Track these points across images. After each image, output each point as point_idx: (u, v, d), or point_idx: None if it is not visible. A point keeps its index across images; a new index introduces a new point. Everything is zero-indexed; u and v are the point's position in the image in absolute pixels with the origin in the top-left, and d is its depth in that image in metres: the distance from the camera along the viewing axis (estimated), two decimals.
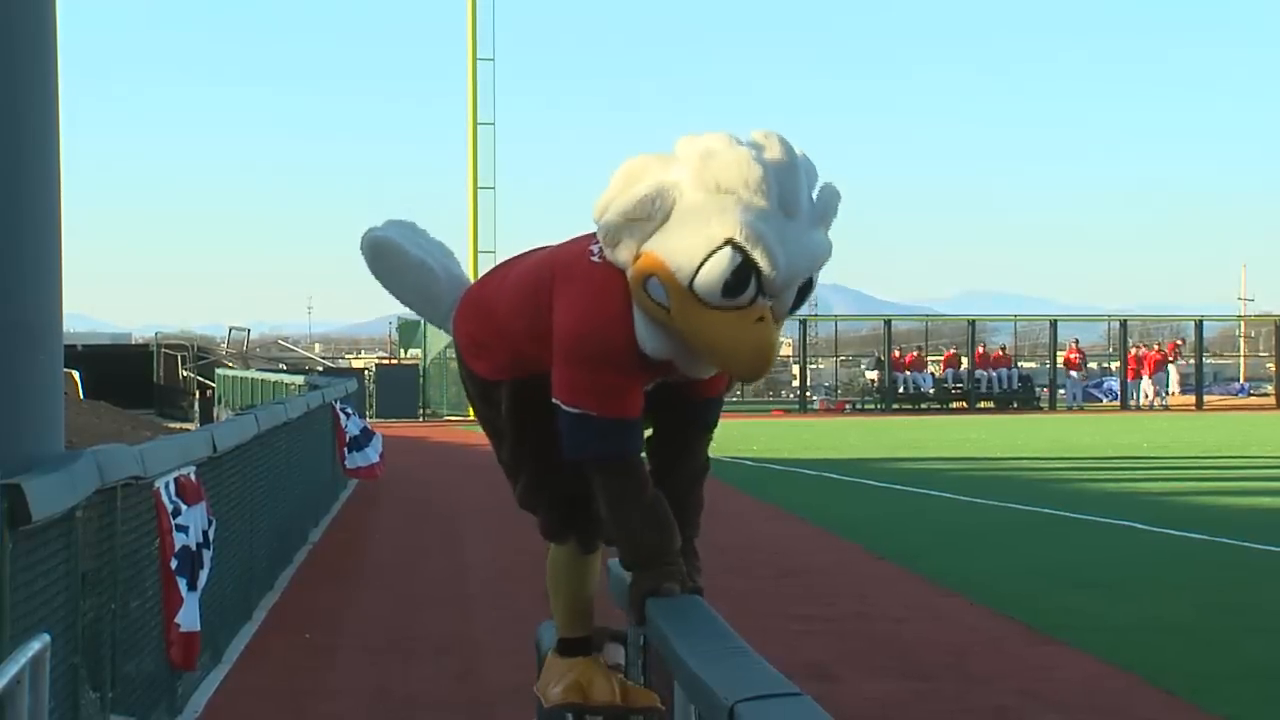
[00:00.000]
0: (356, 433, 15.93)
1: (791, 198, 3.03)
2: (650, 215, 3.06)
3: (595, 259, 3.25)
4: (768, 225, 2.97)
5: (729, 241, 2.96)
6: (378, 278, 3.95)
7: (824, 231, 3.13)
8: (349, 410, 16.46)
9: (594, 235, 3.28)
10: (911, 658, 8.54)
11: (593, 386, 3.23)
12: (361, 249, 3.92)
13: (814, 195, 3.13)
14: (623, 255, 3.14)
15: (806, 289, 3.13)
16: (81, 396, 30.40)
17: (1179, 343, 45.95)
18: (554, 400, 3.29)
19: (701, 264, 2.99)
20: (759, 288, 3.00)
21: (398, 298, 4.05)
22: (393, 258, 3.90)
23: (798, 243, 3.03)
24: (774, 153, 3.05)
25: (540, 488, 3.49)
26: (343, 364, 50.04)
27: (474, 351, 3.58)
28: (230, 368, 38.10)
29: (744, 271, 2.97)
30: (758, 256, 2.96)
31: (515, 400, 3.51)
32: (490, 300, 3.57)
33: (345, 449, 15.64)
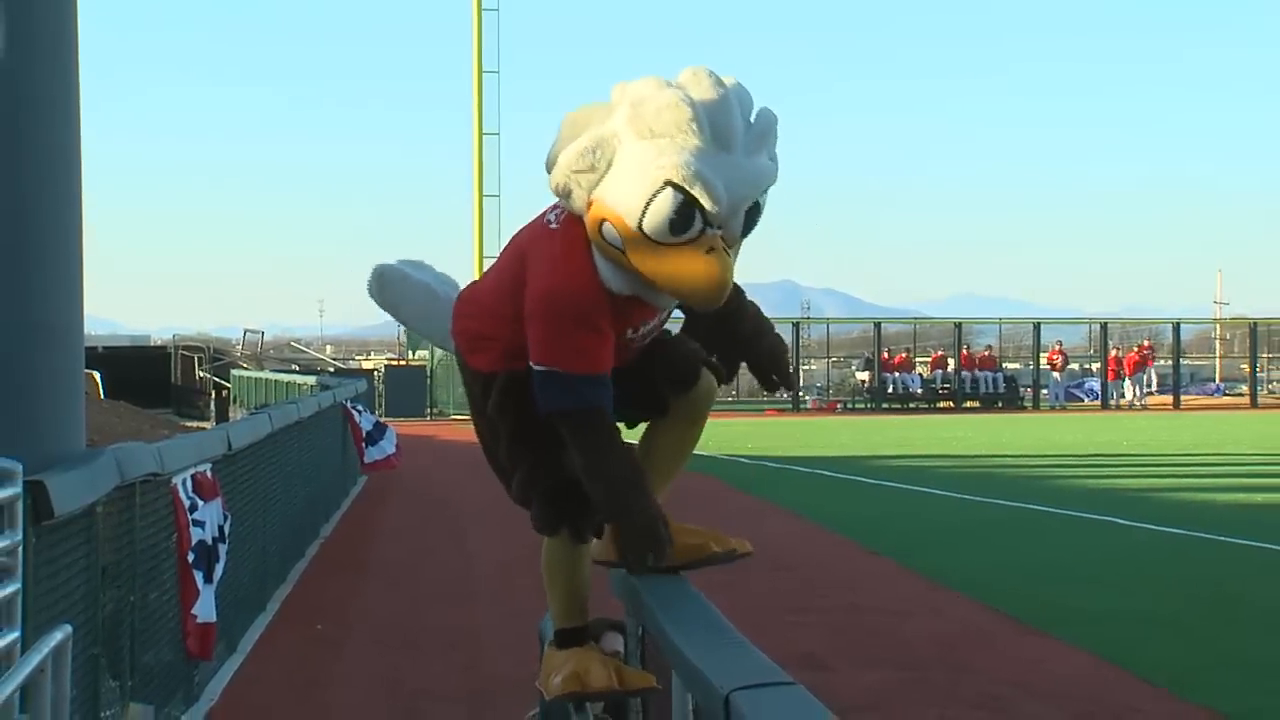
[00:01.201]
0: (370, 428, 15.96)
1: (724, 131, 3.05)
2: (593, 166, 3.11)
3: (553, 225, 3.33)
4: (703, 162, 3.01)
5: (668, 183, 3.00)
6: (383, 306, 4.03)
7: (764, 156, 3.16)
8: (360, 408, 16.46)
9: (552, 205, 3.35)
10: (902, 649, 8.54)
11: (561, 343, 3.26)
12: (369, 281, 3.98)
13: (751, 121, 3.15)
14: (577, 205, 3.19)
15: (755, 212, 3.16)
16: (102, 396, 30.43)
17: (1148, 344, 45.90)
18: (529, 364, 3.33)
19: (646, 208, 3.04)
20: (705, 221, 3.04)
21: (404, 322, 4.13)
22: (397, 284, 3.97)
23: (736, 172, 3.06)
24: (702, 90, 3.07)
25: (534, 481, 3.48)
26: (353, 365, 49.98)
27: (470, 347, 3.59)
28: (245, 369, 38.08)
29: (686, 209, 3.02)
30: (697, 193, 3.00)
31: (507, 393, 3.51)
32: (480, 292, 3.63)
33: (363, 445, 15.70)
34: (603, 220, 3.13)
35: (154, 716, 6.13)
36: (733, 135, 3.07)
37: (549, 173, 3.24)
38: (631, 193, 3.05)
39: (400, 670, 8.15)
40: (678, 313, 3.61)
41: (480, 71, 37.89)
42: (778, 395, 43.39)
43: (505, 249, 3.62)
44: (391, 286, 3.97)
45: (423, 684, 7.84)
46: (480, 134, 37.95)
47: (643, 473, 3.35)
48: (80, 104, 5.83)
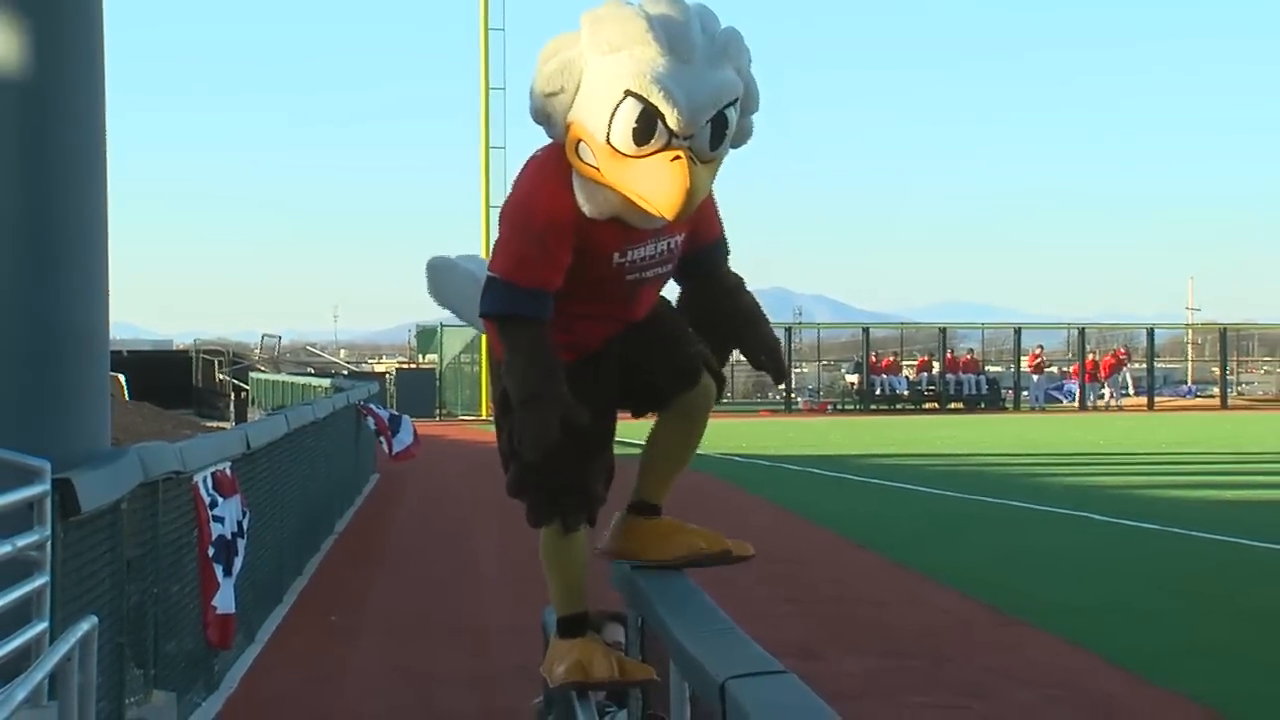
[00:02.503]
0: (387, 418, 16.10)
1: (682, 43, 3.02)
2: (563, 88, 3.09)
3: (534, 156, 3.29)
4: (660, 70, 2.98)
5: (628, 93, 2.98)
6: (433, 296, 4.01)
7: (729, 70, 3.10)
8: (374, 406, 16.57)
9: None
10: (889, 638, 8.53)
11: (506, 250, 3.24)
12: (426, 270, 4.00)
13: (715, 39, 3.11)
14: (556, 130, 3.17)
15: (722, 125, 3.08)
16: (127, 398, 30.40)
17: (1124, 350, 45.89)
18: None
19: (610, 120, 3.01)
20: (669, 131, 3.00)
21: (453, 312, 4.07)
22: (443, 274, 3.97)
23: (696, 82, 3.02)
24: (659, 6, 3.06)
25: (529, 472, 3.44)
26: (366, 368, 50.00)
27: (490, 334, 3.56)
28: (263, 371, 38.10)
29: (648, 118, 2.98)
30: (656, 101, 2.97)
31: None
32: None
33: (390, 436, 15.84)
34: (578, 140, 3.10)
35: (176, 703, 6.13)
36: (691, 46, 3.03)
37: (529, 103, 3.20)
38: (597, 108, 3.02)
39: (411, 658, 8.15)
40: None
41: (487, 88, 37.94)
42: (770, 396, 43.56)
43: None
44: (439, 277, 3.96)
45: (433, 671, 7.83)
46: (487, 147, 37.99)
47: (554, 371, 3.20)
48: (106, 118, 5.83)
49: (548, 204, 3.18)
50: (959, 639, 8.50)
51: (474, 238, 38.96)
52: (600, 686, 3.60)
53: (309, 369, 43.68)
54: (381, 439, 16.30)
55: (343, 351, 75.74)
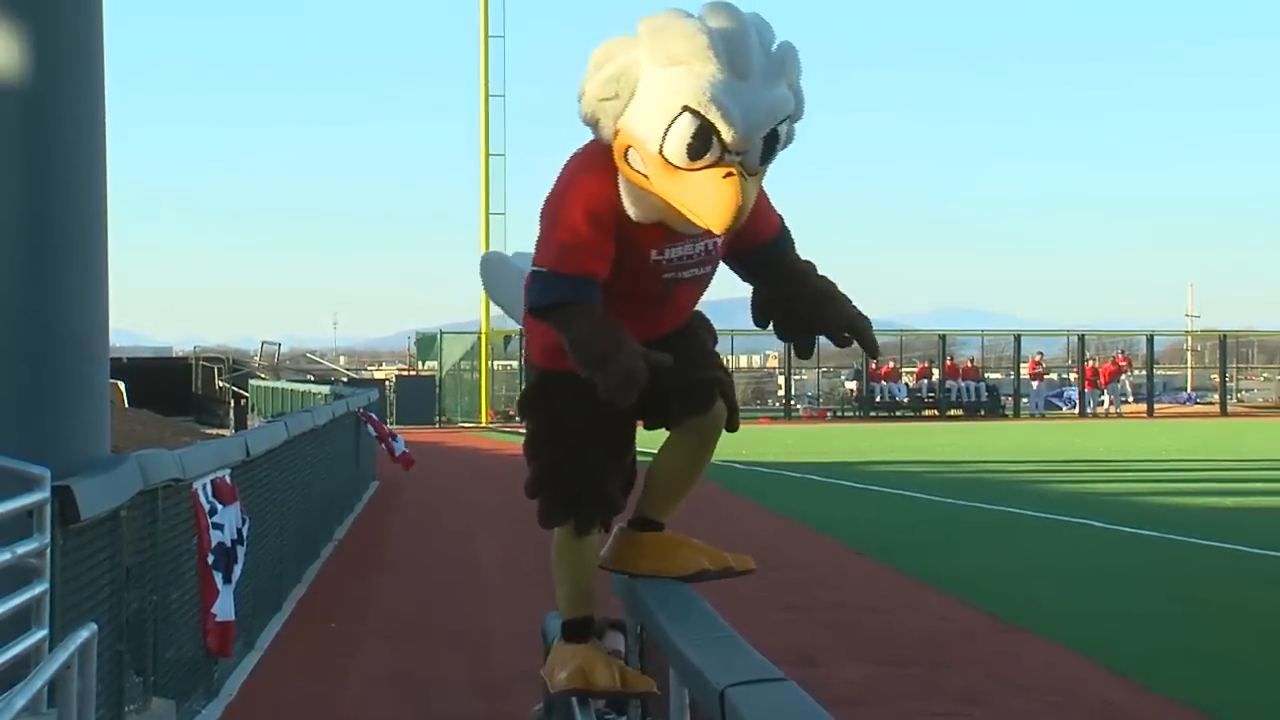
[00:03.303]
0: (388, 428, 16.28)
1: (741, 59, 3.01)
2: (617, 94, 3.09)
3: (576, 153, 3.29)
4: (719, 88, 2.97)
5: (685, 108, 2.98)
6: (486, 289, 4.08)
7: (783, 87, 3.10)
8: (372, 415, 16.61)
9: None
10: (888, 645, 8.52)
11: (548, 240, 3.22)
12: (480, 265, 4.07)
13: (771, 51, 3.11)
14: (605, 134, 3.16)
15: (774, 141, 3.10)
16: (126, 405, 30.36)
17: (1124, 358, 45.87)
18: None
19: (665, 133, 3.01)
20: (722, 146, 3.00)
21: (501, 306, 4.10)
22: (498, 266, 4.03)
23: (753, 99, 3.02)
24: (720, 20, 3.05)
25: (547, 475, 3.45)
26: (365, 375, 49.98)
27: (529, 335, 3.57)
28: (262, 379, 38.12)
29: (704, 134, 2.98)
30: (714, 119, 2.97)
31: (538, 390, 3.51)
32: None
33: (391, 440, 15.98)
34: (628, 147, 3.09)
35: (175, 711, 6.13)
36: (750, 63, 3.02)
37: (579, 104, 3.20)
38: (652, 118, 3.02)
39: (411, 664, 8.14)
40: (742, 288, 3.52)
41: (487, 95, 37.97)
42: (769, 404, 43.55)
43: None
44: (491, 272, 4.01)
45: (433, 677, 7.83)
46: (487, 155, 38.02)
47: (624, 332, 3.15)
48: (106, 121, 5.84)
49: (589, 193, 3.18)
50: (958, 646, 8.49)
51: (474, 245, 39.03)
52: (600, 695, 3.60)
53: (309, 376, 43.68)
54: (383, 444, 16.42)
55: (342, 358, 75.75)
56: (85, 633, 4.02)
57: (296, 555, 10.77)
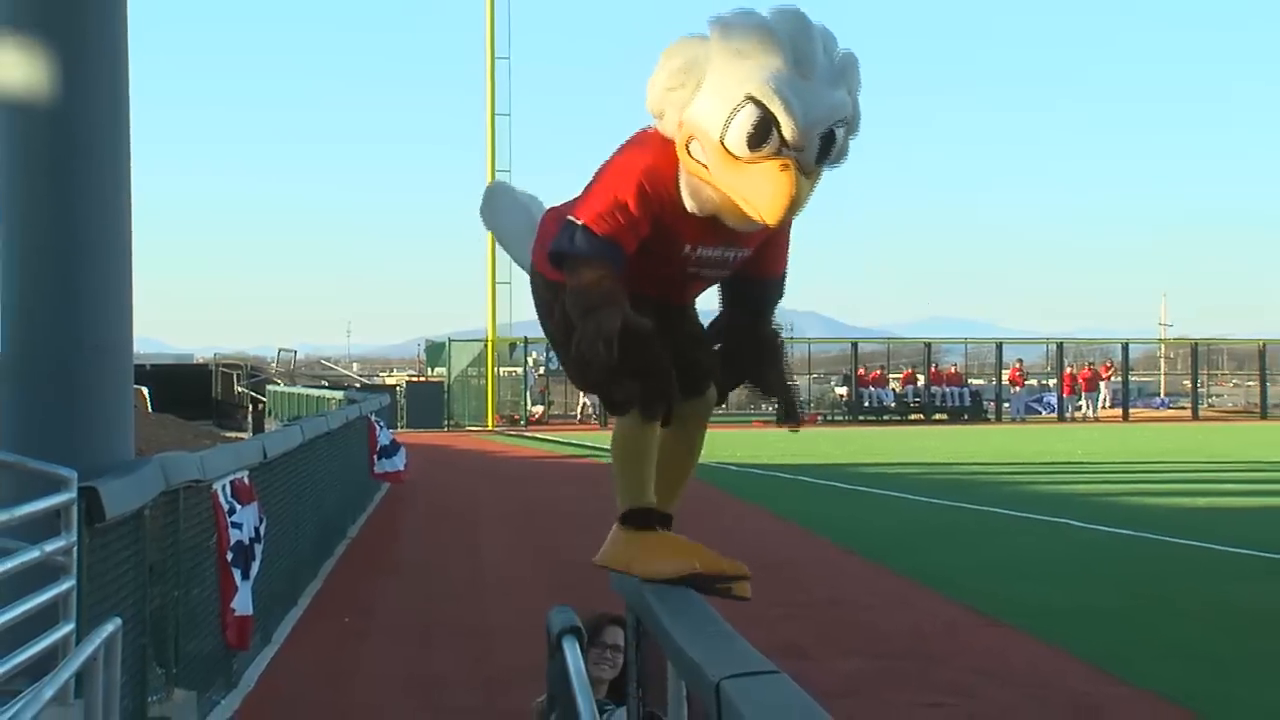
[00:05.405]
0: (386, 443, 16.01)
1: (806, 60, 3.01)
2: (684, 84, 3.07)
3: (645, 129, 3.24)
4: (783, 82, 2.97)
5: (749, 98, 2.96)
6: (484, 213, 3.97)
7: (843, 92, 3.09)
8: (382, 423, 16.52)
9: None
10: (877, 640, 8.52)
11: (599, 204, 3.16)
12: (485, 191, 4.01)
13: (834, 60, 3.09)
14: (669, 126, 3.13)
15: (830, 143, 3.06)
16: (150, 410, 30.40)
17: (1105, 366, 45.91)
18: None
19: (728, 121, 2.99)
20: (781, 139, 2.98)
21: (499, 239, 4.03)
22: (502, 195, 4.01)
23: (814, 97, 3.00)
24: (788, 20, 3.05)
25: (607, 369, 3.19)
26: (377, 381, 49.96)
27: (542, 253, 3.49)
28: (279, 384, 38.10)
29: (765, 124, 2.96)
30: (775, 109, 2.95)
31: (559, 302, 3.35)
32: (563, 207, 3.42)
33: (375, 456, 15.74)
34: (691, 138, 3.07)
35: (196, 701, 6.13)
36: (814, 63, 3.02)
37: (647, 97, 3.17)
38: (716, 108, 3.00)
39: (419, 660, 8.14)
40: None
41: (493, 114, 38.05)
42: (763, 408, 43.47)
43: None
44: (494, 199, 3.96)
45: (440, 673, 7.83)
46: (493, 171, 38.06)
47: (622, 295, 3.10)
48: (131, 143, 5.85)
49: (651, 169, 3.15)
50: (944, 640, 8.49)
51: (480, 258, 39.06)
52: (712, 580, 3.35)
53: (323, 382, 43.69)
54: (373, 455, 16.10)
55: (355, 365, 75.77)
56: (110, 627, 4.02)
57: (311, 553, 10.77)
